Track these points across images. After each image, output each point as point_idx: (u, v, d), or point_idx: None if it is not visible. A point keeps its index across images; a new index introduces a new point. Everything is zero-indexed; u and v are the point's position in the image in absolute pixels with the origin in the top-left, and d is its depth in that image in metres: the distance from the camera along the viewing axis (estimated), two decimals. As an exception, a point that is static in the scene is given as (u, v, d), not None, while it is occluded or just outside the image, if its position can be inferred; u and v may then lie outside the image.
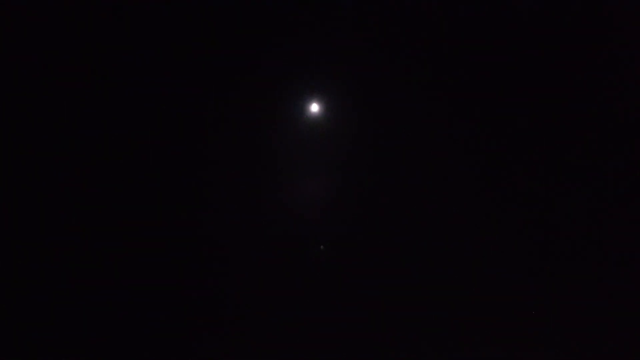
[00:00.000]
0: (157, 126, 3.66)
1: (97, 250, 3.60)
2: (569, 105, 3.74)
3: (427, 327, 3.63)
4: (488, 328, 3.61)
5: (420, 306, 3.65)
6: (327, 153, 3.75)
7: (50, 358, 3.50)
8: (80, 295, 3.57)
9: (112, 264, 3.60)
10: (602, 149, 3.73)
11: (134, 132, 3.65)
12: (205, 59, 3.68)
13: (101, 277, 3.59)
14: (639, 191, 3.71)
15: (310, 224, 3.72)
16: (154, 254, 3.63)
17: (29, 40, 3.61)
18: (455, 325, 3.63)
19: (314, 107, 3.71)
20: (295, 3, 3.66)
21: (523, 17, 3.70)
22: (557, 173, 3.75)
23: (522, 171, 3.75)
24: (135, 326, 3.58)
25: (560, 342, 3.60)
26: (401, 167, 3.75)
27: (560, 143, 3.74)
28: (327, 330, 3.63)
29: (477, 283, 3.66)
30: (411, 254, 3.69)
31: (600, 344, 3.57)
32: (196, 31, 3.66)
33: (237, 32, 3.67)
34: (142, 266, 3.62)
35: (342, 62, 3.72)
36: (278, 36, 3.70)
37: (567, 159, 3.74)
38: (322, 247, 3.68)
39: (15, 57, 3.61)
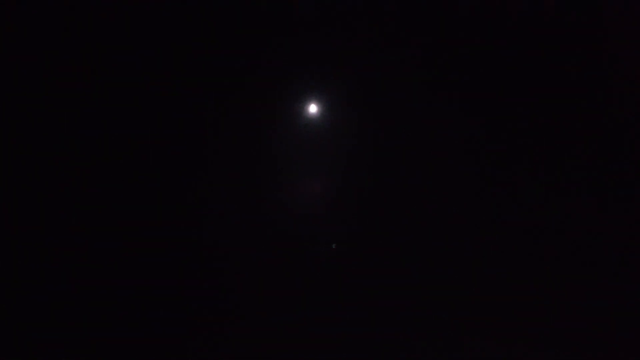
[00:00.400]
0: (156, 126, 3.66)
1: (98, 251, 3.60)
2: (570, 106, 3.75)
3: (430, 327, 3.63)
4: (490, 328, 3.62)
5: (422, 306, 3.65)
6: (326, 154, 3.75)
7: (50, 358, 3.51)
8: (80, 295, 3.57)
9: (112, 264, 3.60)
10: (603, 150, 3.73)
11: (132, 132, 3.65)
12: (204, 59, 3.67)
13: (101, 278, 3.59)
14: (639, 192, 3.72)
15: (311, 224, 3.72)
16: (154, 255, 3.64)
17: (29, 40, 3.62)
18: (459, 325, 3.63)
19: (313, 108, 3.70)
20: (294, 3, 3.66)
21: (523, 16, 3.71)
22: (558, 174, 3.75)
23: (523, 171, 3.75)
24: (137, 326, 3.58)
25: (560, 342, 3.61)
26: (402, 167, 3.74)
27: (561, 144, 3.75)
28: (328, 331, 3.63)
29: (479, 282, 3.67)
30: (413, 254, 3.69)
31: (600, 344, 3.58)
32: (195, 31, 3.66)
33: (235, 32, 3.67)
34: (142, 267, 3.62)
35: (341, 62, 3.72)
36: (277, 37, 3.69)
37: (568, 159, 3.75)
38: (333, 245, 3.67)
39: (15, 57, 3.61)
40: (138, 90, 3.63)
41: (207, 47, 3.66)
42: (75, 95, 3.63)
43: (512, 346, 3.57)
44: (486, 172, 3.76)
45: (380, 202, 3.74)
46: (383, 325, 3.64)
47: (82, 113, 3.64)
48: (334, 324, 3.63)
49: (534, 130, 3.74)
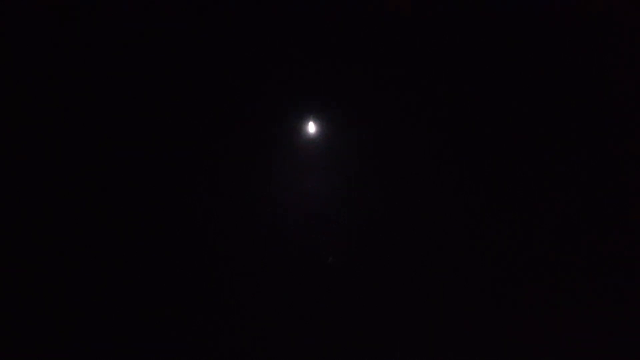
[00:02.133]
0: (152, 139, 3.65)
1: (97, 252, 3.60)
2: (571, 110, 3.76)
3: (430, 330, 3.64)
4: (491, 328, 3.62)
5: (424, 309, 3.66)
6: (327, 172, 3.73)
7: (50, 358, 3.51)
8: (79, 296, 3.57)
9: (111, 265, 3.60)
10: (602, 151, 3.75)
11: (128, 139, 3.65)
12: (201, 78, 3.67)
13: (101, 278, 3.59)
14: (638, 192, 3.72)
15: (312, 238, 3.70)
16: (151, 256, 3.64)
17: (29, 40, 3.62)
18: (459, 327, 3.64)
19: (311, 127, 3.68)
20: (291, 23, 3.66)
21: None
22: (559, 178, 3.76)
23: (524, 176, 3.75)
24: (134, 328, 3.57)
25: (558, 342, 3.61)
26: (403, 181, 3.74)
27: (563, 148, 3.76)
28: (327, 332, 3.64)
29: (480, 283, 3.68)
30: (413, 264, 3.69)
31: (599, 344, 3.58)
32: (192, 51, 3.65)
33: (234, 53, 3.66)
34: (139, 272, 3.61)
35: (339, 79, 3.71)
36: (276, 60, 3.68)
37: (568, 164, 3.76)
38: (330, 258, 3.66)
39: (16, 57, 3.61)
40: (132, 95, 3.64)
41: (202, 67, 3.66)
42: (69, 98, 3.63)
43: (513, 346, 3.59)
44: (488, 188, 3.76)
45: (383, 217, 3.73)
46: (382, 327, 3.64)
47: (75, 118, 3.63)
48: (332, 326, 3.64)
49: (537, 140, 3.74)
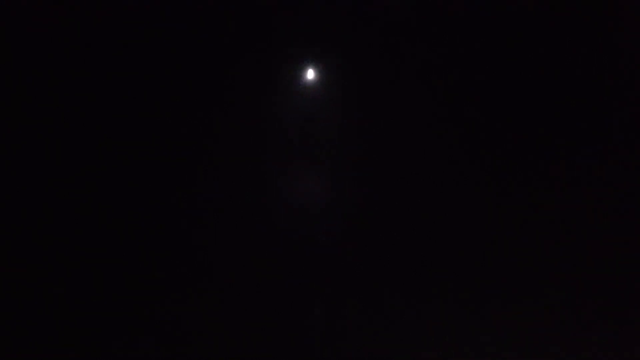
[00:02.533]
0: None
1: (95, 248, 3.60)
2: (569, 107, 3.75)
3: (427, 328, 3.63)
4: (489, 327, 3.62)
5: (423, 304, 3.66)
6: (323, 120, 3.71)
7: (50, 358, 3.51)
8: (78, 296, 3.57)
9: (107, 262, 3.60)
10: (602, 150, 3.74)
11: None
12: (194, 28, 3.65)
13: (100, 277, 3.59)
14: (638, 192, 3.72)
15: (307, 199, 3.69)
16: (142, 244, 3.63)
17: (29, 40, 3.62)
18: (457, 327, 3.64)
19: (310, 74, 3.67)
20: None
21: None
22: (556, 174, 3.75)
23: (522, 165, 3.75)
24: (133, 327, 3.57)
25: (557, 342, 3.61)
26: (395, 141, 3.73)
27: (560, 144, 3.75)
28: (326, 330, 3.63)
29: (476, 281, 3.67)
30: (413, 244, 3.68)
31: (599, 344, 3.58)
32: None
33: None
34: (128, 263, 3.60)
35: (338, 27, 3.69)
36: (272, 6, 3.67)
37: (566, 160, 3.75)
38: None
39: (16, 57, 3.62)
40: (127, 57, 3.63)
41: (196, 15, 3.64)
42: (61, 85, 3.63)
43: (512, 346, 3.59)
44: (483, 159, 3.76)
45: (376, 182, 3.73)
46: (381, 325, 3.64)
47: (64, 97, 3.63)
48: (331, 323, 3.64)
49: (534, 129, 3.74)
